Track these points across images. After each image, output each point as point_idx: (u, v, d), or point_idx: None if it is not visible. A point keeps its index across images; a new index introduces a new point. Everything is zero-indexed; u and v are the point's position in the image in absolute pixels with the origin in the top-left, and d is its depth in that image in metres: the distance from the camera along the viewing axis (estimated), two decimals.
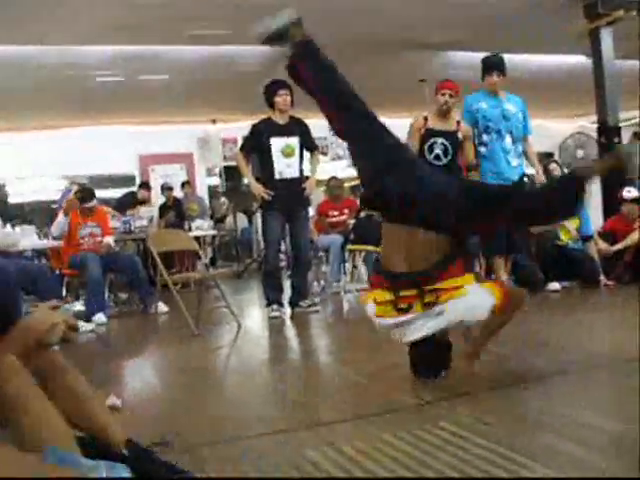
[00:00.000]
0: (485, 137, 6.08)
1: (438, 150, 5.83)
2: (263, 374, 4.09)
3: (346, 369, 3.88)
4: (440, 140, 5.85)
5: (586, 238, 6.97)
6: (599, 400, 2.93)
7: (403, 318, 3.17)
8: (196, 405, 3.28)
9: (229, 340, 5.34)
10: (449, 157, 5.87)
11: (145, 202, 10.73)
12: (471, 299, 3.07)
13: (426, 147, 5.82)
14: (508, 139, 6.07)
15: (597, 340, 4.24)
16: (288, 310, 6.21)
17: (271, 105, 6.08)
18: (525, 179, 6.26)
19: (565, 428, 2.46)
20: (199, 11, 7.53)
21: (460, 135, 5.95)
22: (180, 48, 8.74)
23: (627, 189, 7.13)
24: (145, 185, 11.31)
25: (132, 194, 11.16)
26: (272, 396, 3.49)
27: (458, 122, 6.01)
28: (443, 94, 5.87)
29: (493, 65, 6.23)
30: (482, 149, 6.10)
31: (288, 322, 5.96)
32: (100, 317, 6.29)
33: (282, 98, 5.99)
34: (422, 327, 3.12)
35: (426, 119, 5.89)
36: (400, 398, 3.04)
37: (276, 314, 6.03)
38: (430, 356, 3.27)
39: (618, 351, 3.80)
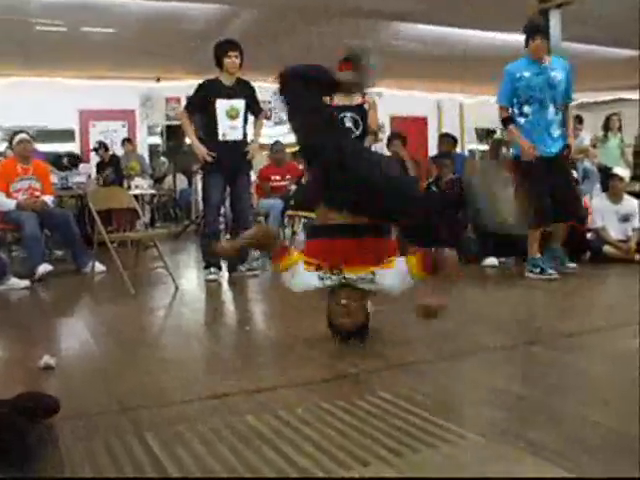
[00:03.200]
0: (526, 108, 5.80)
1: (349, 123, 5.94)
2: (200, 337, 4.06)
3: (284, 335, 3.89)
4: (349, 114, 5.96)
5: None
6: (534, 373, 2.99)
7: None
8: (132, 367, 3.24)
9: (166, 301, 5.27)
10: (360, 128, 5.99)
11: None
12: (397, 271, 3.28)
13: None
14: (551, 109, 5.75)
15: (534, 315, 4.33)
16: (226, 274, 6.18)
17: (219, 65, 5.97)
18: (566, 151, 5.86)
19: (500, 400, 2.51)
20: None
21: (366, 106, 6.07)
22: (128, 2, 8.50)
23: None
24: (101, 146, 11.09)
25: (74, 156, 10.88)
26: (210, 360, 3.47)
27: (363, 95, 6.10)
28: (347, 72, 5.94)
29: (536, 28, 5.86)
30: (522, 120, 5.82)
31: (226, 286, 5.93)
32: (45, 267, 6.13)
33: (231, 59, 5.89)
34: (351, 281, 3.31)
35: (331, 97, 5.91)
36: (340, 366, 3.05)
37: (214, 277, 5.99)
38: (346, 322, 3.35)
39: (554, 327, 3.90)
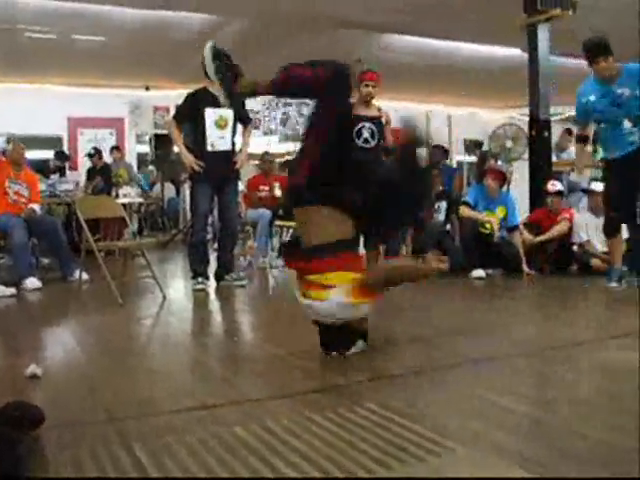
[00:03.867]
0: (602, 124, 5.79)
1: (366, 134, 6.00)
2: (188, 347, 4.05)
3: (272, 346, 3.87)
4: (367, 125, 6.03)
5: (511, 228, 7.11)
6: (521, 385, 3.00)
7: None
8: (120, 376, 3.23)
9: (154, 311, 5.26)
10: (376, 140, 6.05)
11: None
12: (330, 304, 3.24)
13: (355, 131, 5.87)
14: (627, 123, 5.57)
15: (519, 328, 4.35)
16: (213, 283, 6.18)
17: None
18: None
19: (487, 412, 2.52)
20: None
21: (383, 120, 6.15)
22: (119, 10, 8.50)
23: (551, 182, 7.38)
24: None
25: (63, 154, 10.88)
26: (198, 370, 3.46)
27: (379, 109, 6.24)
28: (366, 85, 6.08)
29: (597, 49, 5.59)
30: (600, 134, 5.89)
31: (213, 295, 5.92)
32: (33, 282, 6.13)
33: None
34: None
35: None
36: (328, 377, 3.06)
37: (201, 287, 5.99)
38: (330, 335, 3.37)
39: (540, 339, 3.93)
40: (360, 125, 5.95)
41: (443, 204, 7.78)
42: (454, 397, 2.80)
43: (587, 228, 7.00)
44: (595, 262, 6.78)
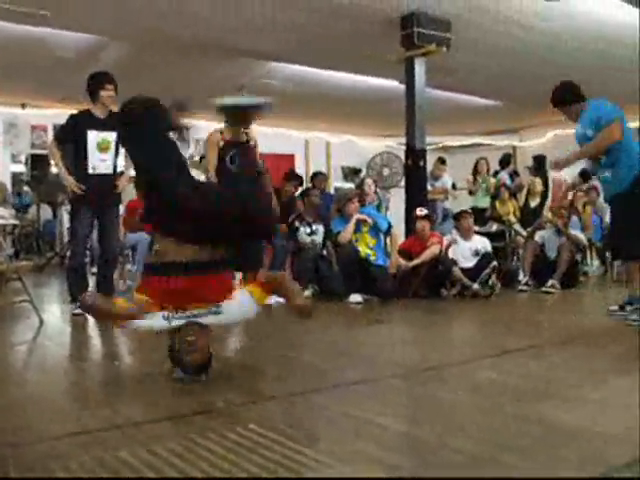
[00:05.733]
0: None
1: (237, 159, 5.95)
2: (67, 372, 4.00)
3: (151, 369, 3.85)
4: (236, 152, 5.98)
5: (386, 231, 7.46)
6: (396, 405, 3.14)
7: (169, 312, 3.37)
8: (1, 403, 3.16)
9: (30, 336, 5.13)
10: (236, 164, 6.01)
11: None
12: (240, 301, 3.46)
13: (228, 158, 5.92)
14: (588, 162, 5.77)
15: (395, 350, 4.52)
16: None
17: (93, 96, 5.93)
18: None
19: (365, 430, 2.64)
20: None
21: (252, 144, 6.16)
22: None
23: (419, 208, 7.78)
24: None
25: None
26: (78, 395, 3.42)
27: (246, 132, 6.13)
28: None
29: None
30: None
31: (92, 320, 5.81)
32: None
33: (108, 93, 5.87)
34: (190, 318, 3.36)
35: (222, 133, 6.02)
36: (210, 399, 3.09)
37: (80, 311, 5.86)
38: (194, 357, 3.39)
39: (414, 361, 4.10)
40: (233, 152, 5.89)
41: (320, 228, 7.92)
42: (333, 417, 2.91)
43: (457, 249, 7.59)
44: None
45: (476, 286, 7.21)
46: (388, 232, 7.45)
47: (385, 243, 7.58)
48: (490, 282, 7.34)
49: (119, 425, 2.71)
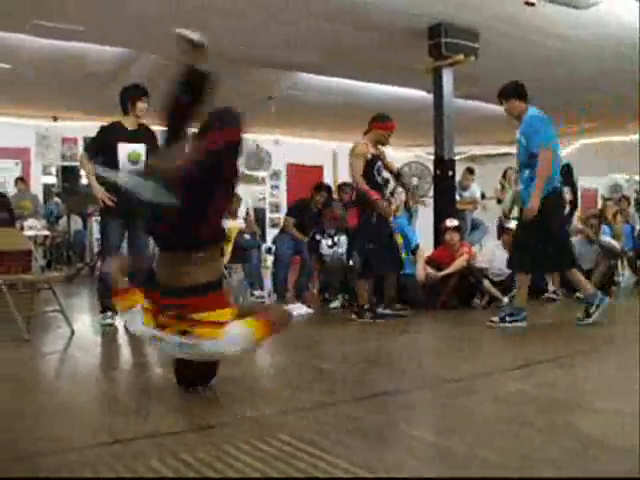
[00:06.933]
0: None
1: (385, 174, 6.55)
2: (98, 381, 4.03)
3: None
4: (381, 164, 6.49)
5: (414, 250, 7.38)
6: (427, 416, 3.13)
7: (159, 333, 3.26)
8: (29, 413, 3.17)
9: (61, 346, 5.18)
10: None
11: None
12: (228, 339, 3.16)
13: (375, 170, 6.36)
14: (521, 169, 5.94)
15: (425, 361, 4.51)
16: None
17: (125, 109, 5.99)
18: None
19: (396, 441, 2.63)
20: (49, 2, 7.29)
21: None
22: (27, 38, 8.38)
23: (449, 219, 7.75)
24: None
25: None
26: (108, 404, 3.44)
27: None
28: (390, 134, 6.54)
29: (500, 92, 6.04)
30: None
31: (122, 330, 5.85)
32: None
33: (141, 104, 5.93)
34: (175, 348, 3.23)
35: (367, 145, 6.39)
36: (239, 409, 3.10)
37: (110, 321, 5.93)
38: (188, 371, 3.39)
39: (444, 372, 4.08)
40: (378, 164, 6.47)
41: (343, 239, 7.90)
42: (364, 428, 2.90)
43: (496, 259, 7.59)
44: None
45: (506, 300, 7.20)
46: (414, 251, 7.38)
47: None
48: None
49: (150, 434, 2.73)
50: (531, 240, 5.67)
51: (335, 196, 8.55)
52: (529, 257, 5.74)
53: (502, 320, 5.78)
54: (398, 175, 6.90)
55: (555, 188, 5.75)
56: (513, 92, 5.92)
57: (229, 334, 3.15)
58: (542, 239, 5.62)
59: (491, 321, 5.85)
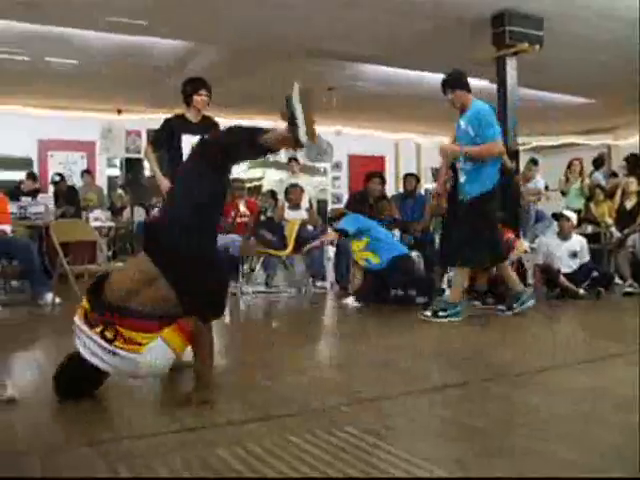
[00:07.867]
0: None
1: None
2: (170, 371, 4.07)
3: (249, 370, 3.95)
4: None
5: None
6: (490, 409, 3.08)
7: (85, 329, 3.04)
8: (95, 401, 3.21)
9: None
10: None
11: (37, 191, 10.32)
12: (146, 356, 2.98)
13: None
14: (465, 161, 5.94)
15: (492, 353, 4.46)
16: None
17: (187, 101, 6.04)
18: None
19: (457, 434, 2.60)
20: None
21: None
22: (93, 34, 8.53)
23: None
24: (31, 176, 10.81)
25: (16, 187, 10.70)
26: (176, 394, 3.47)
27: None
28: None
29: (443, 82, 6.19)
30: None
31: None
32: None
33: (202, 97, 5.95)
34: (92, 353, 3.00)
35: None
36: (305, 401, 3.11)
37: None
38: (71, 382, 3.16)
39: (507, 364, 4.04)
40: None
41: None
42: (427, 420, 2.88)
43: (552, 250, 7.64)
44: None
45: (582, 291, 7.30)
46: None
47: None
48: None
49: (217, 424, 2.77)
50: (465, 235, 5.77)
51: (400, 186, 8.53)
52: (463, 252, 5.80)
53: (435, 314, 5.77)
54: None
55: (494, 187, 5.78)
56: (459, 82, 5.99)
57: (147, 351, 2.97)
58: (474, 234, 5.73)
59: (424, 315, 5.84)
